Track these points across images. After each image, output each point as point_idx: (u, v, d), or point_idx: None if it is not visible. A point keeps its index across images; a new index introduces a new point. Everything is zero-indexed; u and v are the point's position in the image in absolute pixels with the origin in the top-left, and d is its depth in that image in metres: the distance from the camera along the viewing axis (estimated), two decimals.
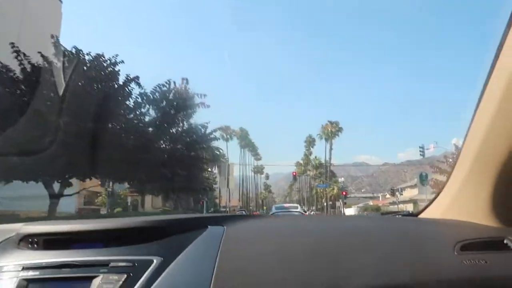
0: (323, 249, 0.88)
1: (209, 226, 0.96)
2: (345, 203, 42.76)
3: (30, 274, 0.80)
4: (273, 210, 18.11)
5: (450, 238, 0.91)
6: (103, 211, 32.25)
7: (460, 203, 1.10)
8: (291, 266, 0.81)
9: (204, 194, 34.56)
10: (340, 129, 61.03)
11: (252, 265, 0.80)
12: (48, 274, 0.79)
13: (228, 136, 65.14)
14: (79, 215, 21.08)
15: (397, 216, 1.50)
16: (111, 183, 24.18)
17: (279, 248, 0.87)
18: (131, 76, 14.50)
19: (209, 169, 29.02)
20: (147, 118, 17.01)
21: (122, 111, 14.70)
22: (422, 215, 1.30)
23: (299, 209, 18.19)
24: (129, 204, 37.03)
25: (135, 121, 15.76)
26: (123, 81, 14.42)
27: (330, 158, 62.08)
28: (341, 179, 46.86)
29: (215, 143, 58.43)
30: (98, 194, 35.73)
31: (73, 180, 13.92)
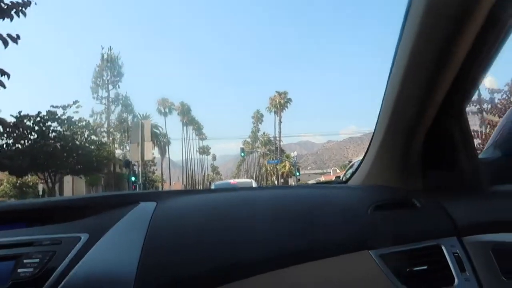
0: (251, 220, 0.89)
1: (140, 202, 0.92)
2: (299, 179, 38.88)
3: None
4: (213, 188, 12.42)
5: (366, 200, 0.99)
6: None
7: (377, 169, 1.20)
8: (221, 239, 0.82)
9: (102, 170, 26.63)
10: (289, 100, 56.98)
11: (181, 239, 0.81)
12: None
13: (166, 110, 57.99)
14: None
15: (328, 184, 1.61)
16: None
17: (211, 221, 0.88)
18: None
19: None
20: None
21: None
22: (350, 182, 1.37)
23: (253, 186, 12.47)
24: (40, 193, 29.88)
25: None
26: None
27: (280, 132, 57.99)
28: (293, 154, 42.75)
29: (152, 119, 52.66)
30: None
31: None
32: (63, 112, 20.29)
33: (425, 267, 0.84)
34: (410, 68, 0.89)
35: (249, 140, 76.58)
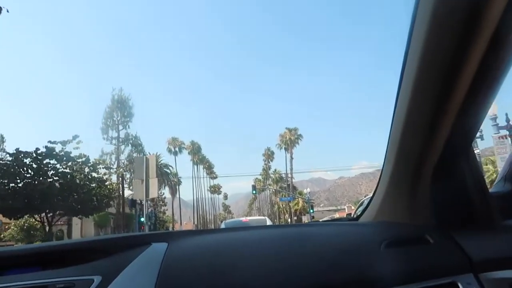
0: (263, 261, 0.88)
1: (152, 243, 0.93)
2: (313, 216, 37.29)
3: None
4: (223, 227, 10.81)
5: (378, 237, 0.98)
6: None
7: (387, 205, 1.20)
8: (233, 281, 0.82)
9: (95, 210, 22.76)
10: (299, 136, 56.17)
11: (193, 281, 0.81)
12: None
13: (176, 149, 57.58)
14: None
15: (338, 221, 1.60)
16: None
17: (223, 262, 0.87)
18: None
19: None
20: None
21: None
22: (361, 219, 1.36)
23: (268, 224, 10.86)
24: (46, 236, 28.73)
25: None
26: None
27: (291, 169, 56.66)
28: (307, 190, 41.38)
29: (162, 159, 52.05)
30: (6, 227, 27.15)
31: None
32: (62, 148, 18.93)
33: None
34: (414, 104, 0.88)
35: (260, 177, 75.37)
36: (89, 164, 20.81)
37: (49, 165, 18.85)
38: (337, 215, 54.62)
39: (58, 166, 19.15)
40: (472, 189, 1.03)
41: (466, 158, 1.02)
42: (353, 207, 64.09)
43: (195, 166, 66.14)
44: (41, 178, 18.19)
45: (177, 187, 55.53)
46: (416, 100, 0.88)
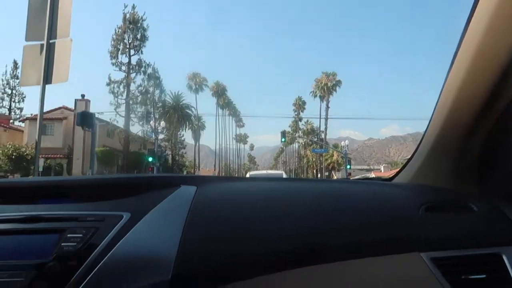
0: (294, 211, 0.89)
1: (181, 185, 0.96)
2: (349, 173, 31.50)
3: None
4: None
5: (416, 200, 0.96)
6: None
7: (428, 168, 1.16)
8: (261, 228, 0.83)
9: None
10: (338, 83, 48.61)
11: (221, 226, 0.83)
12: (11, 227, 0.76)
13: (197, 86, 51.16)
14: None
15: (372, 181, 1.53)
16: None
17: (251, 210, 0.89)
18: None
19: None
20: None
21: None
22: (395, 180, 1.33)
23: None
24: (41, 169, 24.41)
25: None
26: None
27: (326, 118, 49.68)
28: (345, 142, 35.44)
29: (184, 100, 46.34)
30: None
31: None
32: None
33: (483, 276, 0.79)
34: (475, 65, 0.83)
35: (289, 129, 69.70)
36: None
37: None
38: (372, 175, 48.91)
39: None
40: None
41: None
42: (391, 168, 58.30)
43: (220, 110, 60.98)
44: None
45: (199, 131, 50.62)
46: (479, 60, 0.81)
